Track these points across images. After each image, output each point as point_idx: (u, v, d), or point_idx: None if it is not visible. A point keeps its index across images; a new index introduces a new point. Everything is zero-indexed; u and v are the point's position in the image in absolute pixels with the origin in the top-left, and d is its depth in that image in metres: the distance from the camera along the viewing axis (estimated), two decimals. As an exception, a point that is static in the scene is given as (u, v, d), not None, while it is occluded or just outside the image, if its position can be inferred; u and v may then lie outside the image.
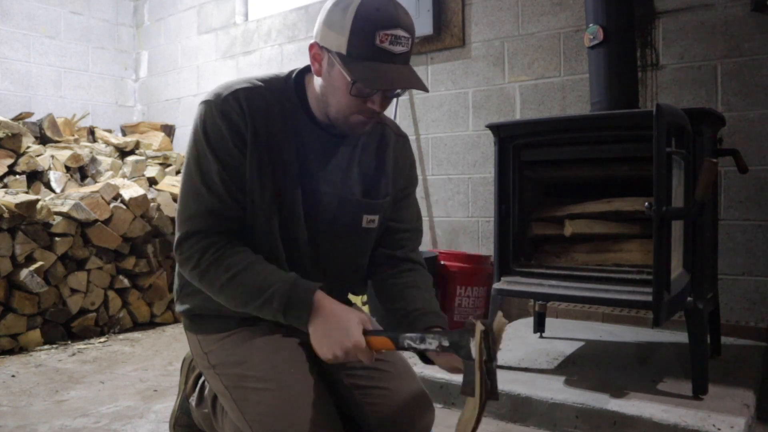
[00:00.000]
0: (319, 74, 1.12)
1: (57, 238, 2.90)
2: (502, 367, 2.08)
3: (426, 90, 1.12)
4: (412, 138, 3.28)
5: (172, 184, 3.71)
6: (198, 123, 1.14)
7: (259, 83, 1.16)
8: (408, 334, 1.05)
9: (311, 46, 1.12)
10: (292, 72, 1.21)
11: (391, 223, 1.31)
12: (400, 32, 1.05)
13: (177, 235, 1.15)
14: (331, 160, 1.20)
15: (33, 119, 3.74)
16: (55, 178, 3.37)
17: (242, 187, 1.14)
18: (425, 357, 1.17)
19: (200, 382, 1.50)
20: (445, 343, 1.03)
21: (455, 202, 3.21)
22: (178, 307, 1.30)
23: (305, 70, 1.21)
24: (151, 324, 3.35)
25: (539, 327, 2.48)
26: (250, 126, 1.12)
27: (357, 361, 1.06)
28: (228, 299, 1.13)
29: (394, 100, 1.32)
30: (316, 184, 1.19)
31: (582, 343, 2.39)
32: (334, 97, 1.11)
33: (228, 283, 1.10)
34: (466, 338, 1.01)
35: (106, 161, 3.73)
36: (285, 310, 1.08)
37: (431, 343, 1.03)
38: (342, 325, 1.05)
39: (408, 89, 1.09)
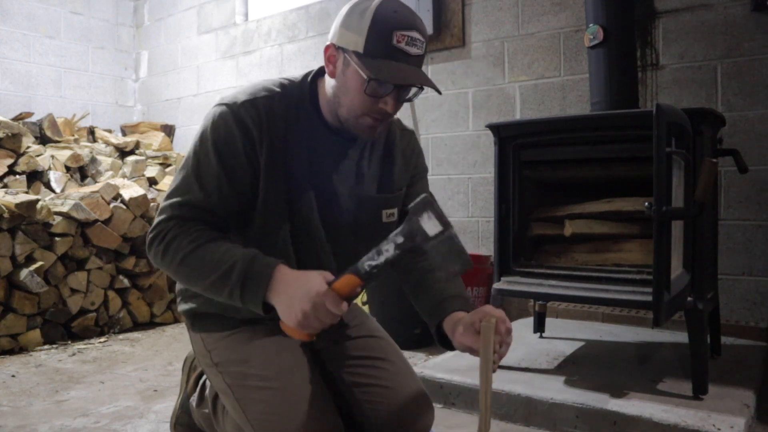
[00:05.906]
0: (333, 75, 1.14)
1: (57, 238, 2.89)
2: (502, 367, 2.08)
3: (439, 92, 1.17)
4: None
5: (172, 184, 3.71)
6: (209, 122, 1.14)
7: (277, 90, 1.17)
8: (365, 258, 1.02)
9: (327, 48, 1.14)
10: (307, 75, 1.22)
11: (405, 209, 1.30)
12: (416, 34, 1.09)
13: (155, 220, 1.14)
14: (344, 161, 1.22)
15: (33, 119, 3.74)
16: (55, 178, 3.37)
17: (238, 194, 1.14)
18: (446, 341, 1.18)
19: (201, 381, 1.50)
20: (399, 240, 1.01)
21: (455, 202, 3.21)
22: (181, 307, 1.30)
23: (318, 74, 1.22)
24: (151, 324, 3.35)
25: (539, 327, 2.48)
26: (266, 135, 1.13)
27: (329, 316, 1.01)
28: (187, 273, 1.10)
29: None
30: (331, 187, 1.21)
31: (582, 343, 2.39)
32: (347, 97, 1.12)
33: (189, 254, 1.08)
34: (415, 222, 1.01)
35: (106, 161, 3.73)
36: (244, 281, 1.05)
37: (388, 250, 1.02)
38: (302, 281, 1.02)
39: (423, 87, 1.12)
